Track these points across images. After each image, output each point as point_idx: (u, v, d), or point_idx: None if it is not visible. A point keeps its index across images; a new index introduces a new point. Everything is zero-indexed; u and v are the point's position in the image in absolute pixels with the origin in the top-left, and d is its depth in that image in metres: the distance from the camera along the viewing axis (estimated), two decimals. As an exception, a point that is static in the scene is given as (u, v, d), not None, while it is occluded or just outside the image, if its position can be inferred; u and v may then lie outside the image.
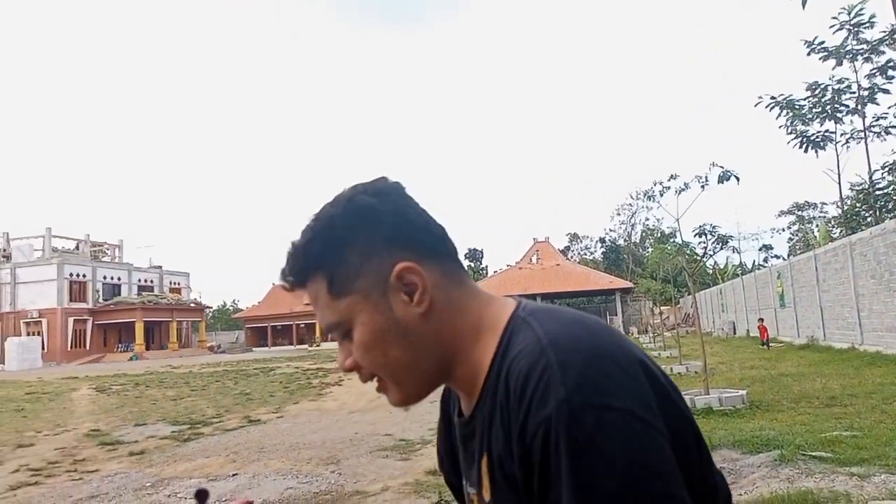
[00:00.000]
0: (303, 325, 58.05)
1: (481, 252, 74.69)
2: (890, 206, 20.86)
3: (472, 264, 71.23)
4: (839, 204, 24.73)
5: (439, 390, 0.89)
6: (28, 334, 47.44)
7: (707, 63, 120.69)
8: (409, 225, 0.78)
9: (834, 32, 19.66)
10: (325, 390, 15.33)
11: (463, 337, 0.78)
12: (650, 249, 46.76)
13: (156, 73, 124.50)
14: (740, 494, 4.98)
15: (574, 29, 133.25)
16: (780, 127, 21.40)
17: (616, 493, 0.59)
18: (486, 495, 0.76)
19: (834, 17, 19.47)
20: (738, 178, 9.69)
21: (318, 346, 50.02)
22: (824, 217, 44.40)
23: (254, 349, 56.43)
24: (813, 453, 5.77)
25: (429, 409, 0.90)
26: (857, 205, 23.22)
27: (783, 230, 51.14)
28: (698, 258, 22.62)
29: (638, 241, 61.60)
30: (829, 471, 5.25)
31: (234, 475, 6.89)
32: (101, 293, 52.51)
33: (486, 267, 71.59)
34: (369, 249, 0.76)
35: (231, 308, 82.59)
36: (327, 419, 10.48)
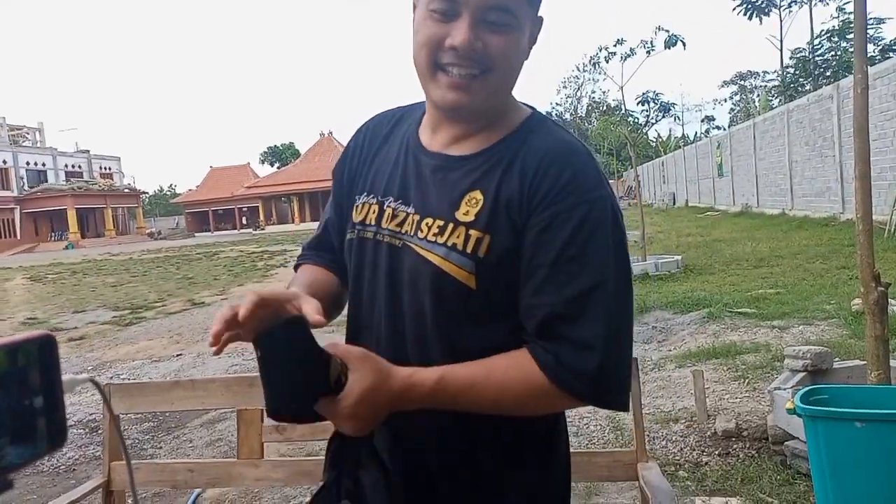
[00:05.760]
0: (245, 209, 56.92)
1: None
2: (828, 74, 21.09)
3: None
4: (780, 72, 24.88)
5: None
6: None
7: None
8: None
9: None
10: (270, 272, 15.24)
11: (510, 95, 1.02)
12: (595, 123, 46.72)
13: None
14: (669, 350, 5.23)
15: None
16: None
17: (625, 259, 0.94)
18: (462, 216, 0.93)
19: None
20: (684, 43, 9.50)
21: (262, 230, 49.46)
22: (765, 87, 44.74)
23: (196, 234, 55.29)
24: (739, 310, 6.07)
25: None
26: (797, 72, 23.34)
27: (725, 100, 51.58)
28: (640, 127, 22.71)
29: (584, 114, 61.32)
30: (752, 325, 5.55)
31: (178, 356, 6.87)
32: (25, 180, 49.83)
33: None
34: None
35: (169, 193, 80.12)
36: (273, 299, 10.45)
